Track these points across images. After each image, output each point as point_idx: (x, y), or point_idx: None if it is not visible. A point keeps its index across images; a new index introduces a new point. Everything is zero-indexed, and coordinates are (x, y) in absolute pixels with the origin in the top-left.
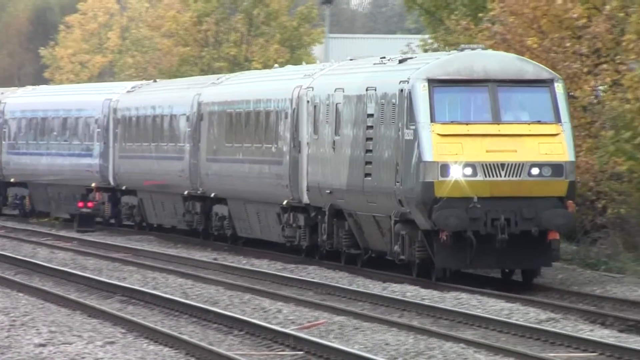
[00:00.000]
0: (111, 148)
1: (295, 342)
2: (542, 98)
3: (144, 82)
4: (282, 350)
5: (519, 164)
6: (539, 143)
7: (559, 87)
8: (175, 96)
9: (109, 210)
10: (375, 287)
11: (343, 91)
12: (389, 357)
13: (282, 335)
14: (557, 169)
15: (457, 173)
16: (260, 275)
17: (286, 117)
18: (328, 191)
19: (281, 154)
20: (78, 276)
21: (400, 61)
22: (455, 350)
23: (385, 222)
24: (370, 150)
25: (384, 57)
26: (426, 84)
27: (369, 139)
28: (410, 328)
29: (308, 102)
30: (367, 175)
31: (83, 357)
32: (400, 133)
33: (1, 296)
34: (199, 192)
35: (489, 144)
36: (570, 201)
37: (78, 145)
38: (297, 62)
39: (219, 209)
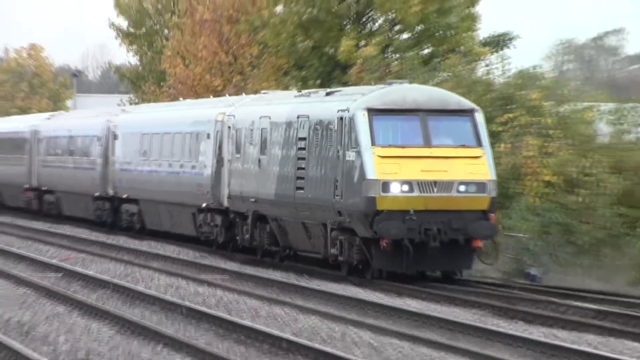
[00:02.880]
0: (34, 158)
1: None
2: (465, 125)
3: (57, 112)
4: None
5: (449, 182)
6: (465, 164)
7: (479, 116)
8: (88, 123)
9: (36, 206)
10: None
11: (269, 118)
12: None
13: None
14: (481, 186)
15: (396, 189)
16: None
17: (208, 138)
18: (253, 200)
19: (202, 167)
20: None
21: (328, 94)
22: None
23: (315, 229)
24: (303, 168)
25: (301, 92)
26: (366, 113)
27: (301, 158)
28: None
29: (229, 127)
30: (299, 188)
31: None
32: (340, 154)
33: None
34: (109, 194)
35: (423, 164)
36: (492, 214)
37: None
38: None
39: (128, 207)
